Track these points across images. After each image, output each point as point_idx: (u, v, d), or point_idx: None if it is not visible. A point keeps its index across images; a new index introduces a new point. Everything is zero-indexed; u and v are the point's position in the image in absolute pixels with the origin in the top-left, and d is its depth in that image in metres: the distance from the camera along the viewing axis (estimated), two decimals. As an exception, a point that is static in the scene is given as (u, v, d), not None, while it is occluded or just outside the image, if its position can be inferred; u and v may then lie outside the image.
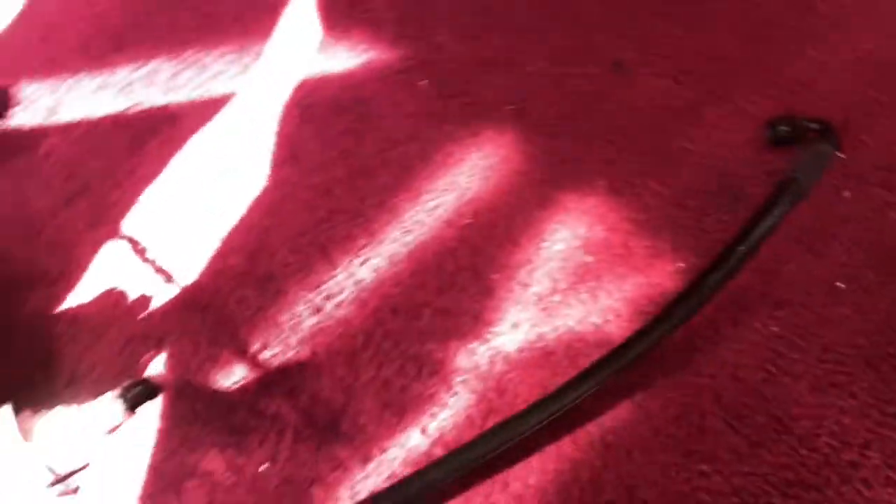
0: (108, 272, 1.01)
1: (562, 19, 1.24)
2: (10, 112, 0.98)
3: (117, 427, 0.83)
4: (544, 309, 0.96)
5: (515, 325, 0.95)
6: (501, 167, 1.08)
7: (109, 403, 0.80)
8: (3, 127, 1.03)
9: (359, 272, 0.98)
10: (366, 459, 0.88)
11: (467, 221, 1.03)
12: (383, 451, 0.87)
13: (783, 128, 1.04)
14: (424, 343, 0.95)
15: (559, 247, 1.00)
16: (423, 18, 1.24)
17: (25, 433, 0.76)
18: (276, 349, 0.93)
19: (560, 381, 0.87)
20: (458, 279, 0.99)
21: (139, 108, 1.12)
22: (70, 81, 1.22)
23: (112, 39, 1.30)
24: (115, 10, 1.33)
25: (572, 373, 0.85)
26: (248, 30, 1.27)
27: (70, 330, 0.96)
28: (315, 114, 1.11)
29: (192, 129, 1.14)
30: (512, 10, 1.27)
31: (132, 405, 0.81)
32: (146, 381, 0.83)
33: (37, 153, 1.09)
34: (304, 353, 0.93)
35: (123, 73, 1.22)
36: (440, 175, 1.06)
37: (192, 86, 1.17)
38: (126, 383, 0.82)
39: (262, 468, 0.88)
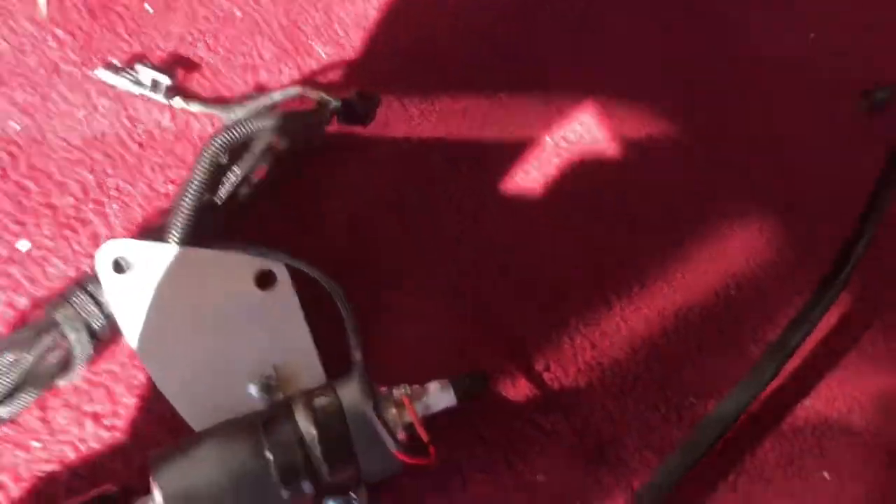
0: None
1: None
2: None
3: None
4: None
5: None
6: (767, 249, 1.18)
7: (442, 389, 0.88)
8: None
9: (631, 318, 1.08)
10: (628, 488, 0.98)
11: (732, 292, 1.13)
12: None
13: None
14: (686, 395, 1.05)
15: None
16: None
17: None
18: (557, 373, 1.03)
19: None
20: (719, 342, 1.09)
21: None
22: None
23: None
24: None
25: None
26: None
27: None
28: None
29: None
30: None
31: (463, 395, 0.89)
32: (482, 375, 0.91)
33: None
34: (582, 381, 1.03)
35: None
36: (710, 245, 1.17)
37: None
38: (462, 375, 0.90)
39: (539, 477, 0.97)
